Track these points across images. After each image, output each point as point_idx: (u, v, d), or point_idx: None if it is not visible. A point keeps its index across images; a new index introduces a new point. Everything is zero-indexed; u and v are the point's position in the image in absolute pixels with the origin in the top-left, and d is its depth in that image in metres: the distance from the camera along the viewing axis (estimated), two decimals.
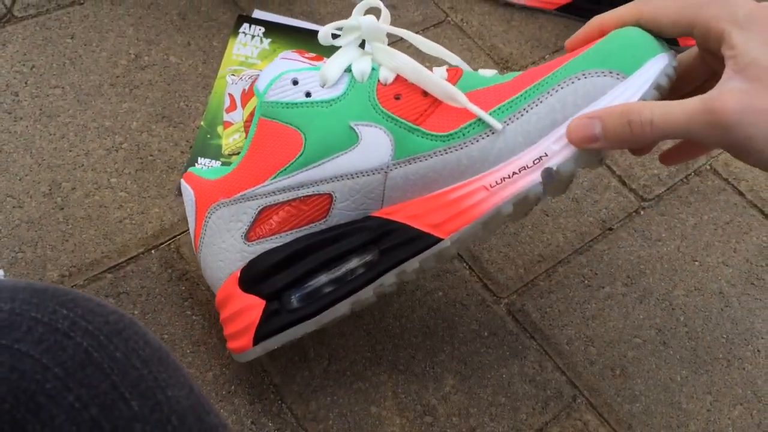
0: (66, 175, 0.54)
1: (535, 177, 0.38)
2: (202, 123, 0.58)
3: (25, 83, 0.58)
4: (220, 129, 0.58)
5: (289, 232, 0.42)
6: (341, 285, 0.42)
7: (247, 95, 0.60)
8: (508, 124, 0.38)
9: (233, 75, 0.61)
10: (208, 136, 0.57)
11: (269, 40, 0.64)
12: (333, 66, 0.41)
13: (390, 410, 0.47)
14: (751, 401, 0.51)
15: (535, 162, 0.38)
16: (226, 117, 0.59)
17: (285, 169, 0.41)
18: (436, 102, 0.40)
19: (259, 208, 0.42)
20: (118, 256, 0.51)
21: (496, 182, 0.39)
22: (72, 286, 0.49)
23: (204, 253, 0.44)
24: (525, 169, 0.38)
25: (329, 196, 0.41)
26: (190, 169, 0.46)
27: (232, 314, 0.43)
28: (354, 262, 0.42)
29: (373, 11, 0.42)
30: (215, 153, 0.56)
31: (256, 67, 0.62)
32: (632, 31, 0.38)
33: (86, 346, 0.22)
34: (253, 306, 0.43)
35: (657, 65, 0.37)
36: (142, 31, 0.63)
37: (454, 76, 0.41)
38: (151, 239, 0.52)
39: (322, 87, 0.41)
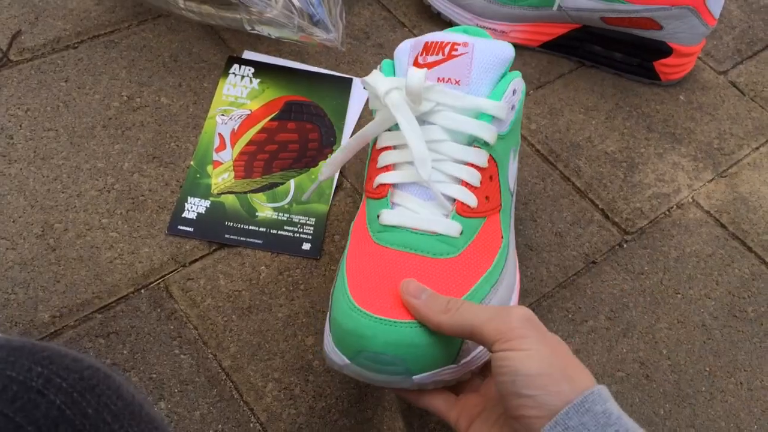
0: (59, 217, 0.55)
1: None
2: (192, 163, 0.59)
3: (20, 126, 0.60)
4: (209, 168, 0.59)
5: None
6: None
7: (237, 135, 0.62)
8: None
9: (223, 115, 0.63)
10: (198, 175, 0.59)
11: (258, 80, 0.65)
12: None
13: None
14: None
15: None
16: (215, 156, 0.60)
17: None
18: None
19: None
20: (108, 296, 0.52)
21: None
22: (62, 327, 0.50)
23: None
24: None
25: None
26: None
27: None
28: None
29: None
30: (205, 192, 0.58)
31: (245, 107, 0.63)
32: None
33: (59, 404, 0.23)
34: None
35: None
36: (135, 73, 0.65)
37: None
38: (141, 279, 0.53)
39: None
